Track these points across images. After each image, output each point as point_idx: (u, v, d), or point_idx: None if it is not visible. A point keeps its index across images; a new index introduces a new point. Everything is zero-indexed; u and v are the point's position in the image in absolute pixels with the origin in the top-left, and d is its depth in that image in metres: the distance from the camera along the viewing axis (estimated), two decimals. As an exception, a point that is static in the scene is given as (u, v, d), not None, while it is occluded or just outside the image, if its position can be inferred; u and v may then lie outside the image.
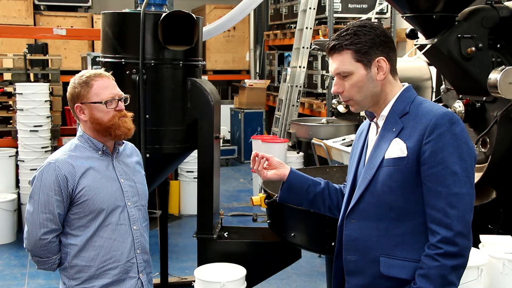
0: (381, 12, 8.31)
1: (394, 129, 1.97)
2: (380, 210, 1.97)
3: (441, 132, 1.86)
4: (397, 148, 1.93)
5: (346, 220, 2.07)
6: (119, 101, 2.36)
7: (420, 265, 1.89)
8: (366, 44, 1.95)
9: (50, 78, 6.71)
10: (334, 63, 2.00)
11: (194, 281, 3.41)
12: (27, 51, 6.78)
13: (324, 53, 8.22)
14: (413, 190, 1.92)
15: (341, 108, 6.31)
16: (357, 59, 1.96)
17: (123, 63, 3.59)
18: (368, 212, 2.00)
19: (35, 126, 5.96)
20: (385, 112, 2.02)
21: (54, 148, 5.82)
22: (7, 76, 7.08)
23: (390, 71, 2.00)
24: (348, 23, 2.06)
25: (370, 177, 1.99)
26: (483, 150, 3.42)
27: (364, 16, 7.43)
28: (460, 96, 3.59)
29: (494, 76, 3.25)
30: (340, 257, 2.11)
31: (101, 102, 2.32)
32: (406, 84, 2.06)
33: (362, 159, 2.09)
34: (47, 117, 6.09)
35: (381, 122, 2.04)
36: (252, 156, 2.27)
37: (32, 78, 6.82)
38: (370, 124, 2.14)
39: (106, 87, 2.34)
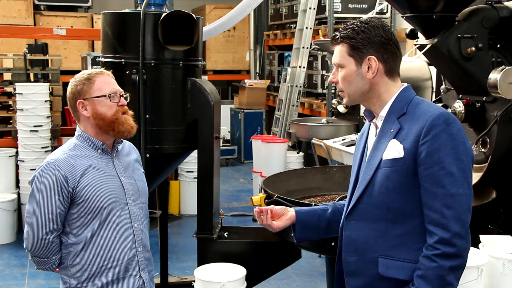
0: (381, 12, 8.31)
1: (391, 130, 1.97)
2: (378, 211, 1.97)
3: (437, 132, 1.86)
4: (394, 149, 1.93)
5: (346, 221, 2.07)
6: (121, 97, 2.37)
7: (418, 266, 1.89)
8: (361, 41, 1.98)
9: (50, 78, 6.71)
10: (334, 53, 2.06)
11: (194, 281, 3.41)
12: (27, 51, 6.77)
13: (324, 53, 8.24)
14: (410, 191, 1.91)
15: (341, 108, 6.31)
16: (350, 54, 2.00)
17: (123, 63, 3.60)
18: (367, 213, 2.00)
19: (35, 126, 5.96)
20: (384, 112, 2.02)
21: (54, 148, 5.79)
22: (7, 76, 7.09)
23: (385, 72, 2.00)
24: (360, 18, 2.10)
25: (369, 178, 1.99)
26: (483, 150, 3.42)
27: (364, 16, 7.42)
28: (460, 96, 3.59)
29: (494, 76, 3.25)
30: (341, 259, 2.10)
31: (104, 96, 2.33)
32: (405, 84, 2.06)
33: (364, 160, 2.09)
34: (47, 117, 6.08)
35: (379, 123, 2.04)
36: (256, 213, 2.23)
37: (32, 78, 6.81)
38: (370, 125, 2.14)
39: (108, 82, 2.37)
